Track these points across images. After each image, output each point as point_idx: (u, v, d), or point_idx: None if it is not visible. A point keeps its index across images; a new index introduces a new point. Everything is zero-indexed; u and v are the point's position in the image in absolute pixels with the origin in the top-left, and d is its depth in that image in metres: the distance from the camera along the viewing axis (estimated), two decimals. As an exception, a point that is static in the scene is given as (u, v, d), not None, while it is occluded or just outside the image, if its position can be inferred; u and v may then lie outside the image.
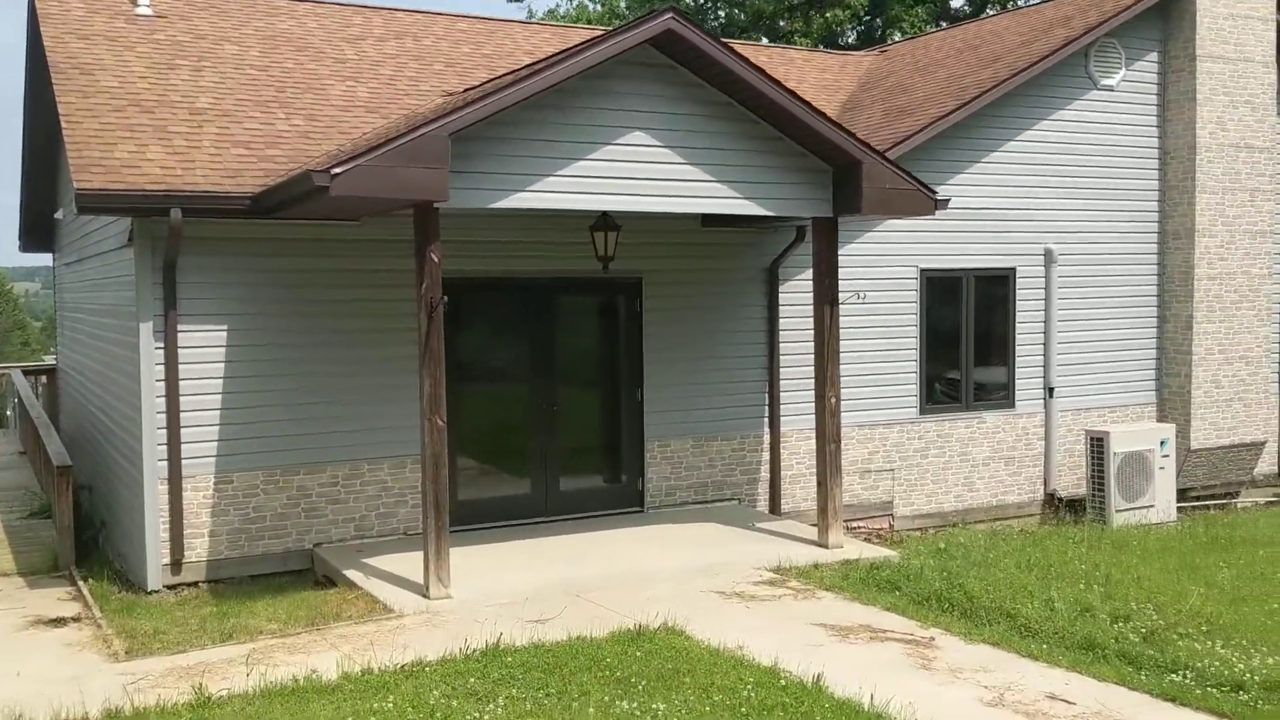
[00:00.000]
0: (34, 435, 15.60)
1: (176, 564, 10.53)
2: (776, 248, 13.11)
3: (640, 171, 10.04)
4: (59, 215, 16.67)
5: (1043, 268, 14.82)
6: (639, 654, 7.54)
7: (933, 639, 8.14)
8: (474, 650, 7.74)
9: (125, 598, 10.42)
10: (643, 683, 6.99)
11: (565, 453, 12.46)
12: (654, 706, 6.56)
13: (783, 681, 6.92)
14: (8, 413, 25.53)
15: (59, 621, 9.53)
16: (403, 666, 7.48)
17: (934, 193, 11.00)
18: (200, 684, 7.15)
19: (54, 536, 12.91)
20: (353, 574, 10.18)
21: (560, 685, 7.00)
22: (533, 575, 10.11)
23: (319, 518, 11.15)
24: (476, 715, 6.50)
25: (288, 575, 10.94)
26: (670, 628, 8.17)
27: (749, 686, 6.82)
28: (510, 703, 6.70)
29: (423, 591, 9.48)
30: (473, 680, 7.12)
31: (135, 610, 9.82)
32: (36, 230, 18.19)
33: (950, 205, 12.81)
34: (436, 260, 9.38)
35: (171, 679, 7.55)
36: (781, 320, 13.22)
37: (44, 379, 19.29)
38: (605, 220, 11.43)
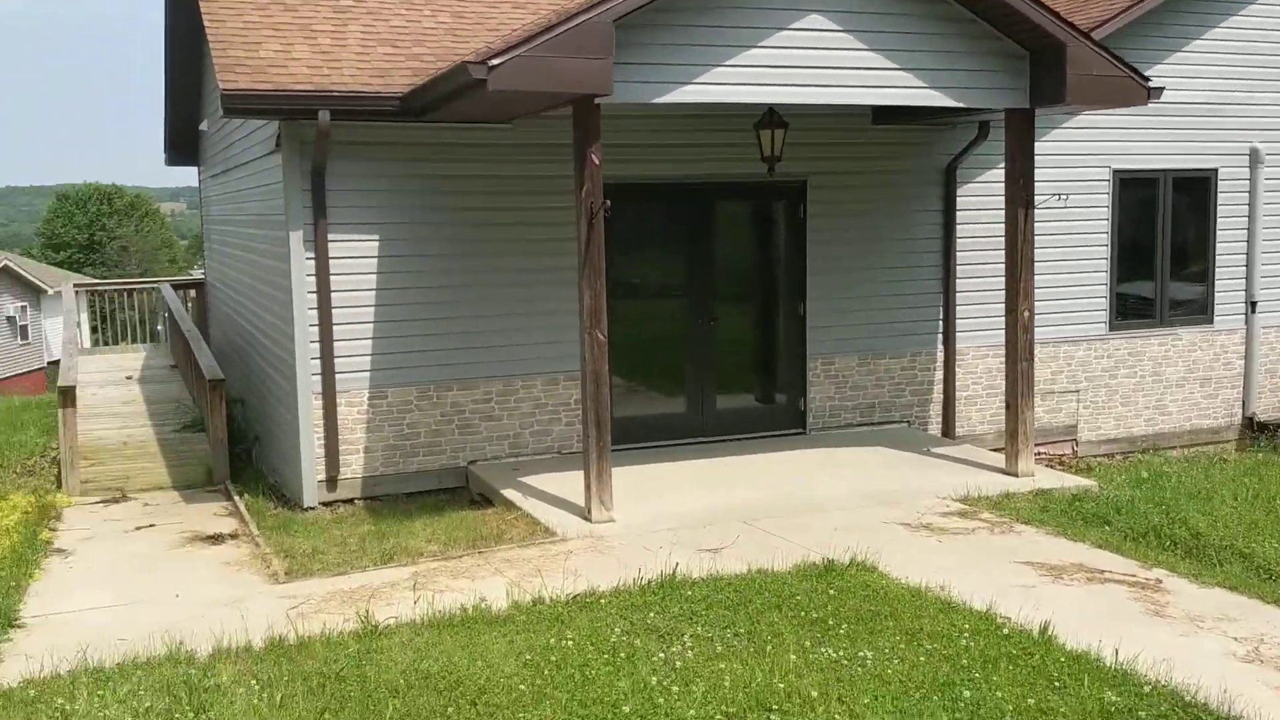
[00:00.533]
0: (185, 349, 15.60)
1: (332, 481, 10.24)
2: (954, 146, 12.02)
3: (815, 59, 9.09)
4: (203, 126, 16.47)
5: (1248, 169, 13.36)
6: (832, 591, 6.85)
7: (1159, 581, 7.24)
8: (649, 581, 7.16)
9: (281, 515, 10.19)
10: (842, 625, 6.30)
11: (722, 370, 11.75)
12: (860, 654, 5.88)
13: (1005, 630, 6.14)
14: (158, 327, 26.07)
15: (216, 539, 9.32)
16: (575, 597, 6.95)
17: (1146, 80, 9.77)
18: (366, 611, 6.74)
19: (207, 450, 12.84)
20: (510, 493, 9.72)
21: (748, 625, 6.37)
22: (695, 499, 9.50)
23: (473, 435, 10.72)
24: (663, 656, 5.92)
25: (443, 493, 10.57)
26: (860, 563, 7.46)
27: (965, 634, 6.07)
28: (697, 643, 6.10)
29: (584, 514, 8.95)
30: (652, 615, 6.54)
31: (292, 528, 9.56)
32: (181, 144, 18.09)
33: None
34: (597, 162, 8.67)
35: (334, 604, 7.18)
36: (959, 227, 12.17)
37: (192, 293, 19.39)
38: (772, 117, 10.53)
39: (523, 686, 5.59)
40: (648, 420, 11.39)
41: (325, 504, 10.23)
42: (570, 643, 6.08)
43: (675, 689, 5.49)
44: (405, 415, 10.47)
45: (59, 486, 11.55)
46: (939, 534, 8.44)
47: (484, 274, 10.58)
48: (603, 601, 6.82)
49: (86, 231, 63.67)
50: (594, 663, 5.84)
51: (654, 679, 5.55)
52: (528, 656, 5.98)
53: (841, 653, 5.89)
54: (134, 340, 23.37)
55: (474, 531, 8.95)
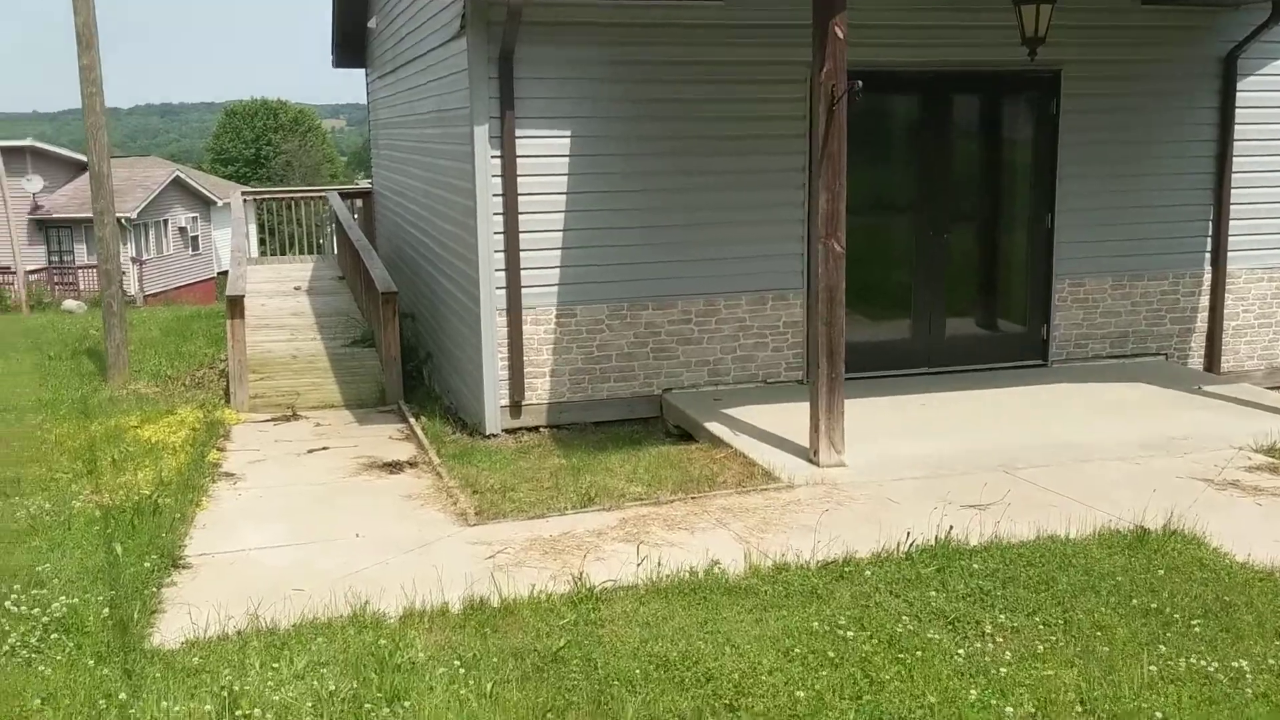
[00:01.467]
0: (353, 260, 14.80)
1: (515, 406, 9.17)
2: (1237, 31, 10.05)
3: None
4: (372, 24, 15.47)
5: None
6: (1160, 571, 5.40)
7: None
8: (915, 547, 5.83)
9: (461, 441, 9.19)
10: (1192, 621, 4.87)
11: (953, 291, 10.19)
12: (1232, 664, 4.44)
13: None
14: (320, 241, 25.73)
15: (394, 467, 8.36)
16: (827, 564, 5.68)
17: None
18: (580, 572, 5.61)
19: (378, 367, 11.99)
20: (715, 427, 8.48)
21: (1061, 613, 5.00)
22: (936, 442, 8.08)
23: (668, 359, 9.49)
24: (964, 654, 4.60)
25: (634, 424, 9.41)
26: (1179, 532, 5.96)
27: (1372, 642, 4.56)
28: (1004, 637, 4.76)
29: (809, 456, 7.65)
30: (933, 594, 5.22)
31: (474, 457, 8.54)
32: (349, 44, 17.18)
33: None
34: (841, 36, 7.18)
35: (536, 555, 6.07)
36: (1238, 128, 10.24)
37: (359, 203, 18.64)
38: (1035, -10, 8.80)
39: (792, 688, 4.35)
40: (868, 347, 9.91)
41: (508, 431, 9.19)
42: (843, 631, 4.80)
43: (996, 702, 4.17)
44: (595, 336, 9.29)
45: (227, 401, 10.83)
46: (1253, 494, 6.85)
47: (687, 176, 9.25)
48: (865, 572, 5.52)
49: (253, 147, 64.75)
50: (877, 660, 4.56)
51: (972, 692, 4.23)
52: (786, 643, 4.74)
53: (1209, 663, 4.46)
54: (300, 252, 22.97)
55: (680, 471, 7.75)
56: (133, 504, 6.98)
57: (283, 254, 22.37)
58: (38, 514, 6.95)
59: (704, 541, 6.15)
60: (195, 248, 39.14)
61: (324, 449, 9.09)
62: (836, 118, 7.22)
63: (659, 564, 5.66)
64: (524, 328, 9.07)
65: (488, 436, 9.09)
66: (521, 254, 8.96)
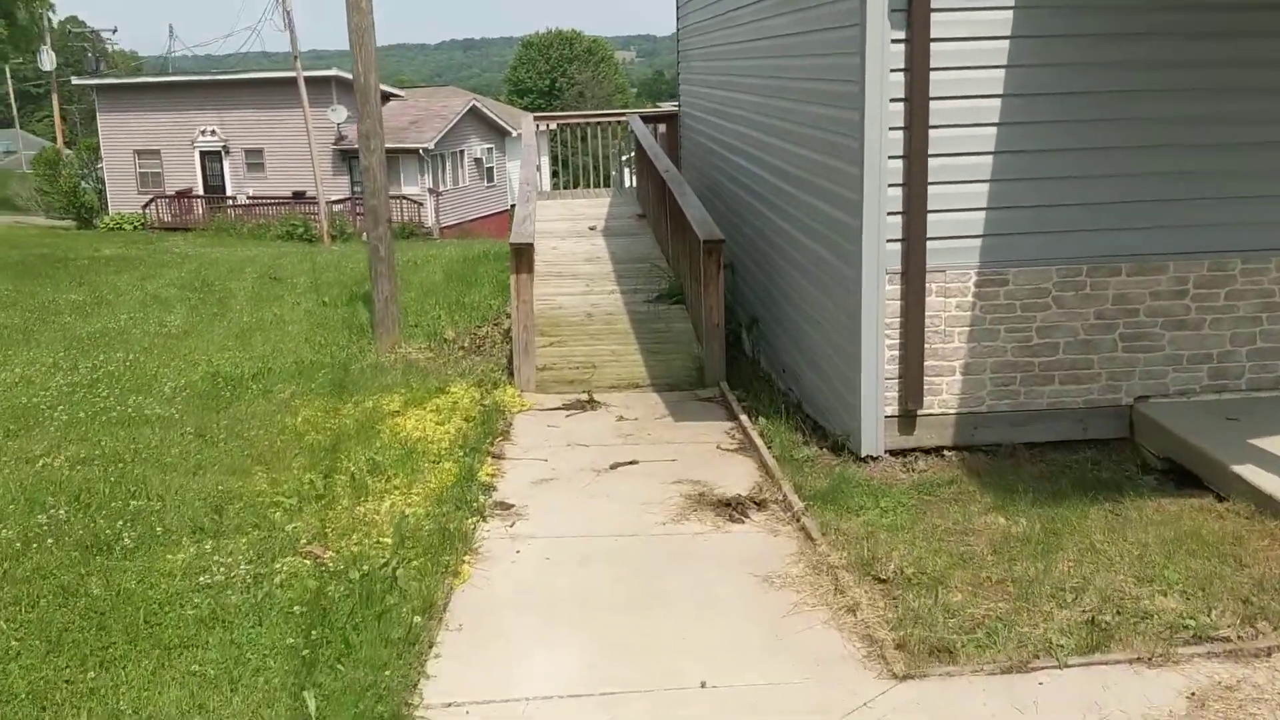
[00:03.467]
0: (657, 195, 12.05)
1: (907, 417, 6.09)
2: None
3: None
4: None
5: None
6: None
7: None
8: None
9: (821, 462, 6.22)
10: None
11: None
12: None
13: None
14: (613, 171, 23.26)
15: (734, 508, 5.50)
16: None
17: None
18: None
19: (690, 332, 9.21)
20: (1254, 475, 5.09)
21: None
22: None
23: (1147, 351, 6.10)
24: None
25: (1087, 447, 6.10)
26: None
27: None
28: None
29: None
30: None
31: (850, 498, 5.55)
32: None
33: None
34: None
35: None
36: None
37: (661, 128, 15.87)
38: None
39: None
40: None
41: (894, 453, 6.12)
42: None
43: None
44: (1034, 314, 6.03)
45: (509, 375, 8.33)
46: None
47: (1181, 73, 5.76)
48: None
49: (548, 78, 63.92)
50: None
51: None
52: None
53: None
54: (593, 185, 20.62)
55: (1233, 566, 4.44)
56: (361, 577, 4.46)
57: (575, 188, 20.13)
58: (227, 584, 4.55)
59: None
60: (490, 179, 38.09)
61: (631, 463, 6.36)
62: None
63: None
64: (927, 300, 5.94)
65: (863, 459, 6.07)
66: (930, 190, 5.81)
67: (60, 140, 40.04)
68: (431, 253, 17.70)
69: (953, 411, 6.08)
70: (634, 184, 15.70)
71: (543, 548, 5.06)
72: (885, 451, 6.08)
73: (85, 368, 9.21)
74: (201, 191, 33.03)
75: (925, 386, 6.01)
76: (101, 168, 34.30)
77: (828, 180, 6.50)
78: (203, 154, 33.07)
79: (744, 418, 7.11)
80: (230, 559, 4.81)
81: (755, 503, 5.59)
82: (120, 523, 5.29)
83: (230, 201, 32.59)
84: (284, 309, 12.29)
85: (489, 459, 6.38)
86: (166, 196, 32.75)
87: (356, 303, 12.19)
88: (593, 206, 14.80)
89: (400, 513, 5.34)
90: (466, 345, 9.66)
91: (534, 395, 8.03)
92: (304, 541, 4.98)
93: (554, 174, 36.17)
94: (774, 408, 7.30)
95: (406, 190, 32.24)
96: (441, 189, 32.77)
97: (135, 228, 31.83)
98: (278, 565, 4.72)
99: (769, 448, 6.46)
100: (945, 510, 5.34)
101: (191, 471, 6.17)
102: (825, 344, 6.70)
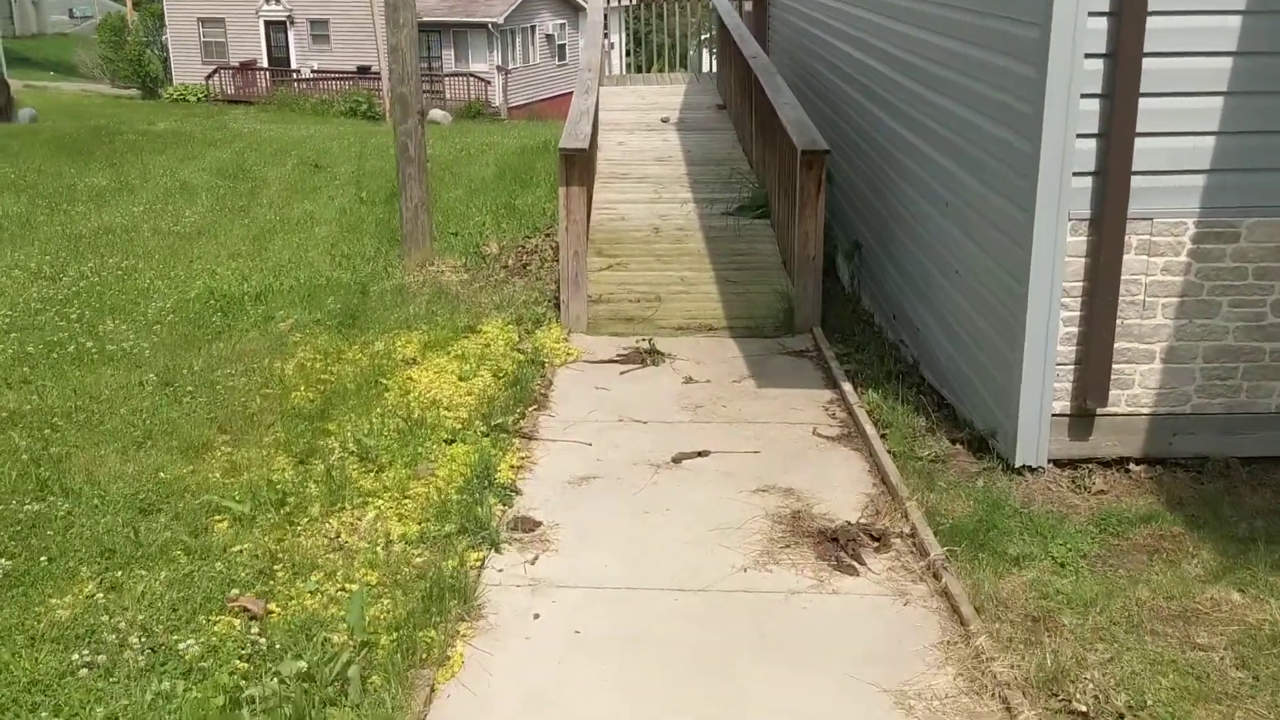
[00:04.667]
0: (741, 84, 10.15)
1: (1083, 417, 4.35)
2: None
3: None
4: None
5: None
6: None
7: None
8: None
9: (955, 464, 4.55)
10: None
11: None
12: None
13: None
14: (690, 52, 21.03)
15: (843, 545, 3.88)
16: None
17: None
18: None
19: (778, 258, 7.51)
20: None
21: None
22: None
23: None
24: None
25: (1326, 467, 4.35)
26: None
27: None
28: None
29: None
30: None
31: (1004, 534, 3.90)
32: None
33: None
34: None
35: None
36: None
37: (748, 4, 13.75)
38: None
39: None
40: None
41: (1059, 463, 4.40)
42: None
43: None
44: (1272, 283, 4.21)
45: (556, 308, 6.70)
46: None
47: None
48: None
49: (625, -49, 60.36)
50: None
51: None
52: None
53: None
54: (670, 69, 18.54)
55: None
56: (296, 677, 2.93)
57: (648, 70, 18.14)
58: (111, 669, 3.06)
59: None
60: (562, 57, 35.75)
61: (701, 455, 4.74)
62: None
63: None
64: (1124, 258, 4.14)
65: (1017, 470, 4.37)
66: (1142, 105, 3.97)
67: (129, 5, 38.40)
68: (490, 140, 15.96)
69: (1145, 411, 4.33)
70: (714, 69, 13.70)
71: (573, 609, 3.50)
72: (1049, 461, 4.37)
73: (71, 276, 7.78)
74: (266, 64, 31.35)
75: (1111, 376, 4.25)
76: (166, 35, 32.71)
77: (983, 82, 4.65)
78: (267, 24, 31.27)
79: (846, 385, 5.42)
80: (130, 614, 3.32)
81: (872, 536, 3.96)
82: (6, 537, 3.83)
83: (294, 75, 30.89)
84: (317, 204, 10.75)
85: (516, 441, 4.80)
86: (230, 68, 31.14)
87: (396, 200, 10.54)
88: (667, 94, 12.88)
89: (379, 545, 3.79)
90: (510, 263, 8.03)
91: (583, 338, 6.40)
92: (237, 590, 3.46)
93: (627, 52, 33.79)
94: (883, 370, 5.61)
95: (475, 68, 30.24)
96: (511, 67, 30.70)
97: (199, 99, 30.38)
98: (191, 633, 3.22)
99: (883, 437, 4.80)
100: (1148, 571, 3.66)
101: (135, 445, 4.69)
102: (967, 302, 4.94)
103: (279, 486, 4.20)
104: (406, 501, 4.15)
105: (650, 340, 6.15)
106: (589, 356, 6.04)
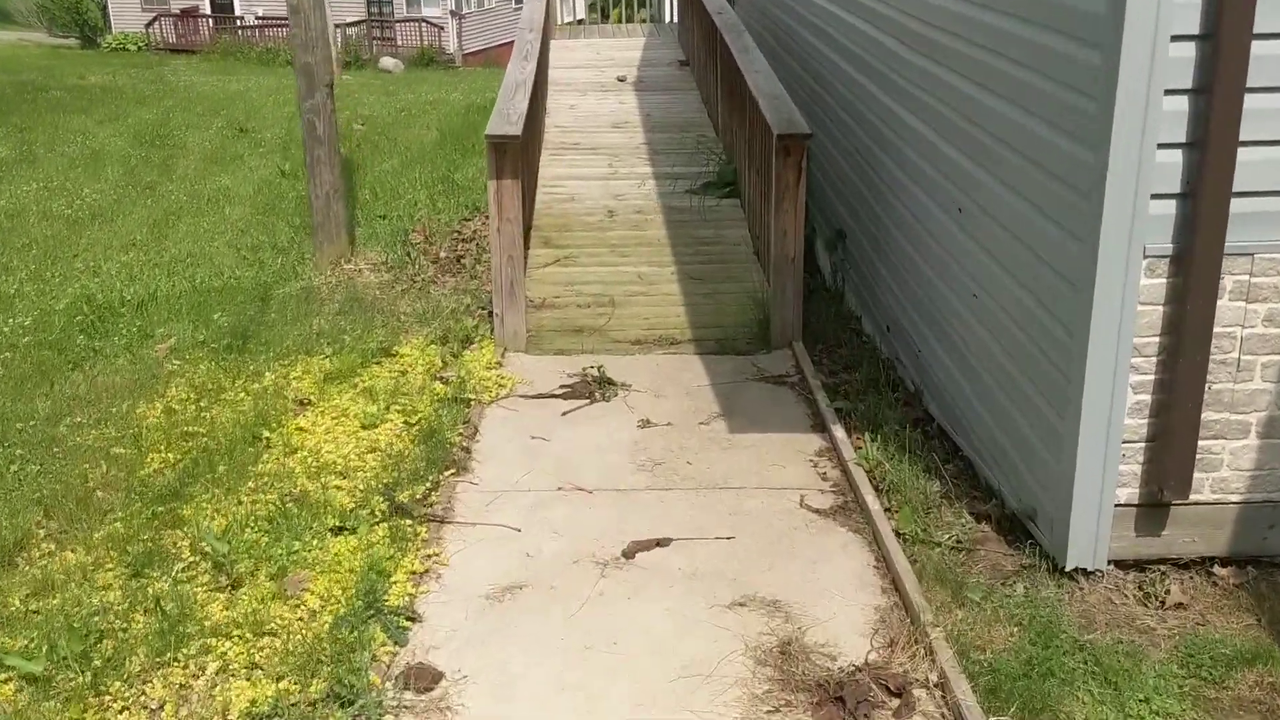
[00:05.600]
0: (705, 42, 8.92)
1: (1156, 508, 3.28)
2: None
3: None
4: None
5: None
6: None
7: None
8: None
9: (984, 553, 3.49)
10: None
11: None
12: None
13: None
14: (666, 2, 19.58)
15: (848, 710, 2.80)
16: None
17: None
18: None
19: (748, 247, 6.38)
20: None
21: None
22: None
23: None
24: None
25: None
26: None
27: None
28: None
29: None
30: None
31: (1067, 685, 2.85)
32: None
33: None
34: None
35: None
36: None
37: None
38: None
39: None
40: None
41: (1122, 564, 3.35)
42: None
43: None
44: None
45: (492, 317, 5.53)
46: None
47: None
48: None
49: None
50: None
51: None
52: None
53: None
54: (634, 11, 17.15)
55: None
56: None
57: (610, 14, 16.74)
58: None
59: None
60: (519, 1, 34.04)
61: (658, 545, 3.64)
62: None
63: None
64: (1217, 304, 3.05)
65: (1068, 573, 3.31)
66: (1248, 103, 2.85)
67: (66, -52, 36.02)
68: (436, 95, 14.59)
69: (1235, 499, 3.28)
70: (675, 20, 12.41)
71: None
72: (1109, 563, 3.31)
73: (-80, 281, 6.54)
74: (209, 10, 29.40)
75: (1196, 456, 3.19)
76: (103, -19, 30.62)
77: (1027, 68, 3.50)
78: (209, -33, 29.29)
79: (838, 432, 4.34)
80: None
81: (890, 689, 2.89)
82: None
83: (239, 22, 28.99)
84: (236, 178, 9.49)
85: (424, 530, 3.68)
86: (171, 15, 29.18)
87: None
88: (625, 49, 11.59)
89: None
90: (442, 256, 6.85)
91: (521, 359, 5.27)
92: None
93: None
94: (881, 402, 4.53)
95: (427, 13, 28.48)
96: (465, 11, 28.96)
97: (139, 49, 28.47)
98: None
99: (888, 511, 3.73)
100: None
101: (-80, 549, 3.53)
102: (990, 337, 3.85)
103: (92, 625, 3.07)
104: (263, 643, 3.04)
105: (600, 367, 5.02)
106: (526, 388, 4.91)
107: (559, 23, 13.28)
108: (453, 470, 4.09)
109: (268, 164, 9.90)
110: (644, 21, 14.15)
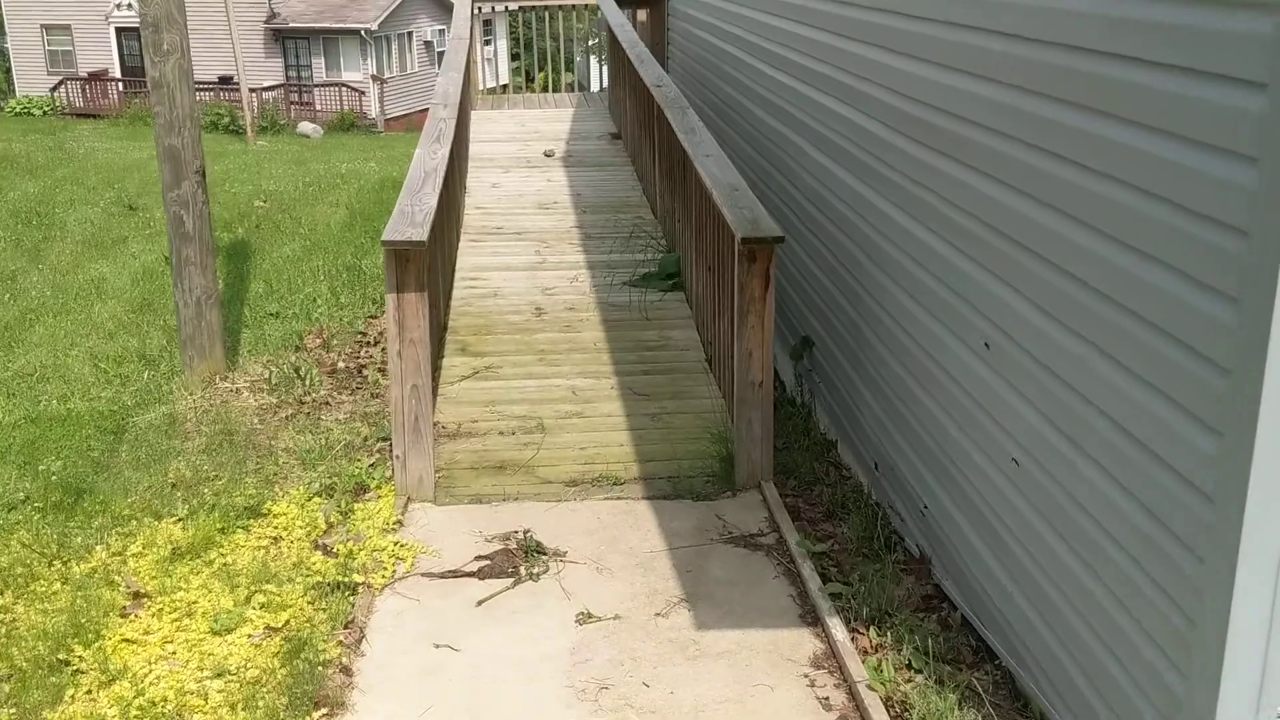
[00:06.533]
0: (640, 114, 7.99)
1: (1313, 796, 2.29)
2: None
3: None
4: None
5: None
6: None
7: None
8: None
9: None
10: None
11: None
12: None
13: None
14: (577, 58, 18.73)
15: None
16: None
17: None
18: None
19: (698, 351, 5.39)
20: None
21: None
22: None
23: None
24: None
25: None
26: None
27: None
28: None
29: None
30: None
31: None
32: None
33: None
34: None
35: None
36: None
37: (642, 13, 11.59)
38: None
39: None
40: None
41: None
42: None
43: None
44: None
45: (391, 456, 4.39)
46: None
47: None
48: None
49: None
50: None
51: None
52: None
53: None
54: (557, 77, 16.29)
55: None
56: None
57: (533, 80, 15.90)
58: None
59: None
60: (440, 64, 33.18)
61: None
62: None
63: None
64: (1406, 524, 2.08)
65: None
66: None
67: (-29, 10, 34.28)
68: (350, 167, 13.48)
69: None
70: (604, 88, 11.51)
71: None
72: None
73: None
74: (119, 73, 27.94)
75: (1369, 728, 2.20)
76: (6, 44, 29.04)
77: (1117, 119, 2.55)
78: (119, 30, 27.86)
79: (835, 629, 3.31)
80: None
81: None
82: None
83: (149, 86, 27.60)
84: (114, 266, 8.29)
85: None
86: (79, 79, 27.67)
87: (222, 255, 8.13)
88: (551, 120, 10.63)
89: None
90: (340, 366, 5.72)
91: (428, 513, 4.16)
92: None
93: (514, 58, 31.14)
94: (884, 577, 3.53)
95: (348, 77, 27.43)
96: (387, 76, 27.94)
97: (44, 113, 26.94)
98: None
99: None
100: None
101: None
102: (1046, 528, 2.86)
103: None
104: None
105: (527, 532, 3.94)
106: (432, 561, 3.80)
107: (480, 88, 12.31)
108: (325, 711, 2.95)
109: (153, 249, 8.71)
110: (571, 89, 13.25)
